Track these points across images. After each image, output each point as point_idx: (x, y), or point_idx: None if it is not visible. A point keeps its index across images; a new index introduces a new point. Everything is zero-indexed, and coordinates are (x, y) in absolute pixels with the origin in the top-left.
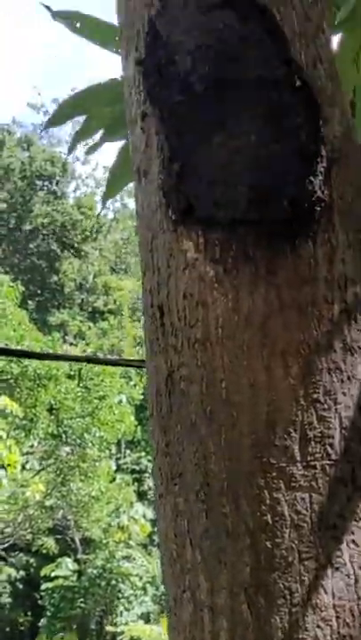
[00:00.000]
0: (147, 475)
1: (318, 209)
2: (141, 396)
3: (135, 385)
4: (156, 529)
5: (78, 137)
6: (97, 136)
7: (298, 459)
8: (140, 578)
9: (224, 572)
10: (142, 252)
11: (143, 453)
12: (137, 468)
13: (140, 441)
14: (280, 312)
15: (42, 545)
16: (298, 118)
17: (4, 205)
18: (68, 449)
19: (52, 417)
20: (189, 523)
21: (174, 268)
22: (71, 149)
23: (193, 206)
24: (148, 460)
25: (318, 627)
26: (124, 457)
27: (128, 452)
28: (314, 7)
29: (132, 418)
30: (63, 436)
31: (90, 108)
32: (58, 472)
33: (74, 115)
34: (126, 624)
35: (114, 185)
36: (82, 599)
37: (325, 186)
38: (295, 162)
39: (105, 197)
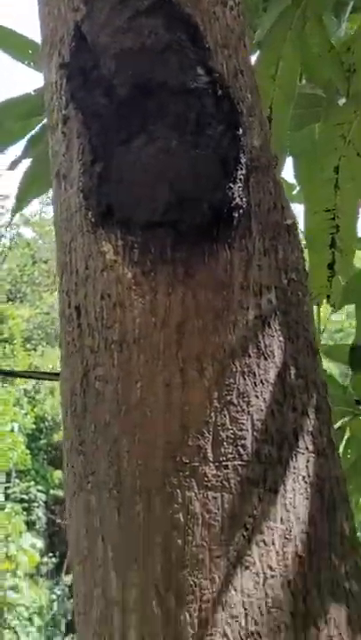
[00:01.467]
0: (35, 504)
1: (236, 215)
2: (33, 426)
3: (27, 414)
4: (44, 559)
5: None
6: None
7: (211, 459)
8: (27, 608)
9: (135, 568)
10: (60, 254)
11: (32, 483)
12: (26, 497)
13: (31, 470)
14: (196, 315)
15: None
16: (219, 126)
17: None
18: None
19: None
20: (101, 520)
21: (93, 269)
22: None
23: (112, 208)
24: (38, 490)
25: (227, 623)
26: (14, 486)
27: (17, 481)
28: (236, 19)
29: (24, 447)
30: None
31: (2, 122)
32: None
33: None
34: None
35: (23, 196)
36: None
37: (244, 193)
38: (215, 168)
39: (15, 210)
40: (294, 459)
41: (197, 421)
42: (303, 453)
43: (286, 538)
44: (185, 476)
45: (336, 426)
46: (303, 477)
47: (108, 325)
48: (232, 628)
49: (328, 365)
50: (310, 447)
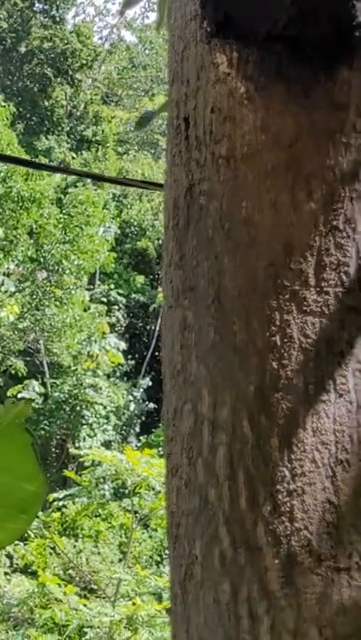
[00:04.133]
0: (116, 307)
1: (358, 34)
2: (119, 230)
3: (114, 218)
4: (123, 362)
5: None
6: None
7: (312, 284)
8: (105, 407)
9: (228, 387)
10: (172, 62)
11: (114, 286)
12: (105, 300)
13: (114, 274)
14: (309, 135)
15: (11, 366)
16: None
17: (4, 25)
18: (45, 274)
19: (32, 241)
20: (197, 336)
21: (205, 80)
22: None
23: (231, 18)
24: (119, 294)
25: (317, 450)
26: (96, 287)
27: (99, 283)
28: None
29: (109, 250)
30: (42, 260)
31: None
32: (33, 296)
33: None
34: (90, 448)
35: None
36: (46, 422)
37: None
38: None
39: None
40: None
41: (301, 245)
42: None
43: None
44: (285, 299)
45: None
46: None
47: (217, 140)
48: (322, 455)
49: None
50: None
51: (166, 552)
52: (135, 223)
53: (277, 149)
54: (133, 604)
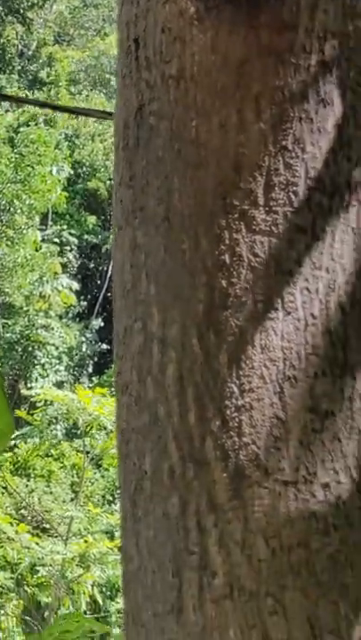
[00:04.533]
0: (68, 248)
1: None
2: (72, 170)
3: (66, 158)
4: (75, 303)
5: None
6: None
7: (261, 203)
8: (57, 348)
9: (177, 306)
10: None
11: (66, 226)
12: (57, 240)
13: (66, 214)
14: (258, 56)
15: None
16: None
17: None
18: None
19: None
20: (147, 256)
21: (154, 1)
22: None
23: None
24: (71, 234)
25: (265, 366)
26: (48, 228)
27: (51, 224)
28: None
29: (61, 190)
30: None
31: None
32: None
33: None
34: (41, 387)
35: None
36: None
37: None
38: None
39: None
40: (345, 210)
41: (251, 165)
42: (354, 205)
43: (330, 287)
44: (234, 218)
45: None
46: (353, 229)
47: (167, 60)
48: (270, 371)
49: None
50: None
51: (118, 492)
52: (87, 164)
53: (227, 70)
54: (85, 541)
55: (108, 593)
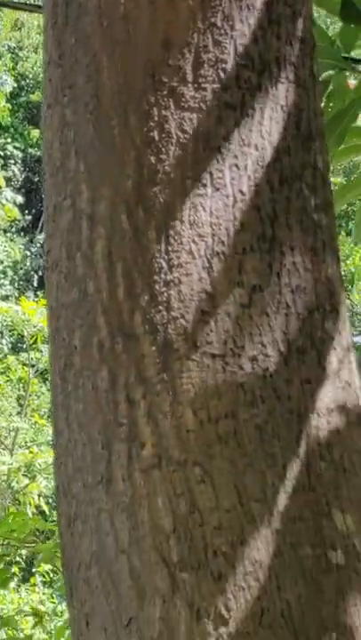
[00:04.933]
0: (12, 161)
1: None
2: (15, 83)
3: (9, 70)
4: (20, 217)
5: None
6: None
7: (190, 80)
8: (2, 262)
9: (106, 182)
10: None
11: (10, 140)
12: (1, 153)
13: (10, 127)
14: None
15: None
16: None
17: None
18: None
19: None
20: (76, 134)
21: None
22: None
23: None
24: (15, 147)
25: (194, 242)
26: None
27: None
28: None
29: (4, 103)
30: None
31: None
32: None
33: None
34: None
35: None
36: None
37: None
38: None
39: None
40: (274, 87)
41: (179, 42)
42: (283, 82)
43: (259, 164)
44: (163, 95)
45: (321, 78)
46: (282, 107)
47: None
48: (198, 247)
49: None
50: (291, 77)
51: None
52: (31, 76)
53: None
54: (31, 452)
55: (54, 504)
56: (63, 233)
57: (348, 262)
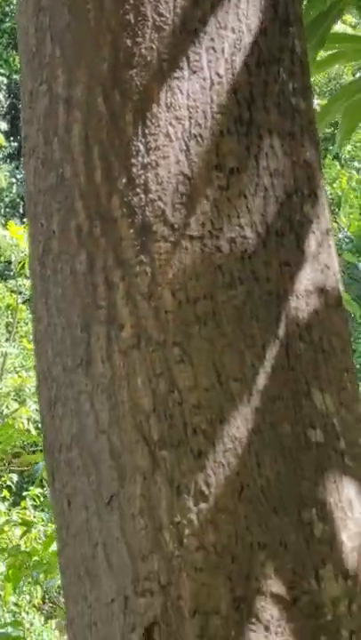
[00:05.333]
0: None
1: None
2: None
3: None
4: (5, 144)
5: None
6: None
7: None
8: None
9: (82, 66)
10: None
11: None
12: None
13: None
14: None
15: None
16: None
17: None
18: None
19: None
20: (51, 19)
21: None
22: None
23: None
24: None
25: (171, 124)
26: None
27: None
28: None
29: None
30: None
31: None
32: None
33: None
34: None
35: None
36: None
37: None
38: None
39: None
40: None
41: None
42: None
43: (236, 47)
44: None
45: None
46: None
47: None
48: (175, 129)
49: None
50: None
51: None
52: (14, 1)
53: None
54: (20, 377)
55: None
56: (40, 118)
57: (334, 186)
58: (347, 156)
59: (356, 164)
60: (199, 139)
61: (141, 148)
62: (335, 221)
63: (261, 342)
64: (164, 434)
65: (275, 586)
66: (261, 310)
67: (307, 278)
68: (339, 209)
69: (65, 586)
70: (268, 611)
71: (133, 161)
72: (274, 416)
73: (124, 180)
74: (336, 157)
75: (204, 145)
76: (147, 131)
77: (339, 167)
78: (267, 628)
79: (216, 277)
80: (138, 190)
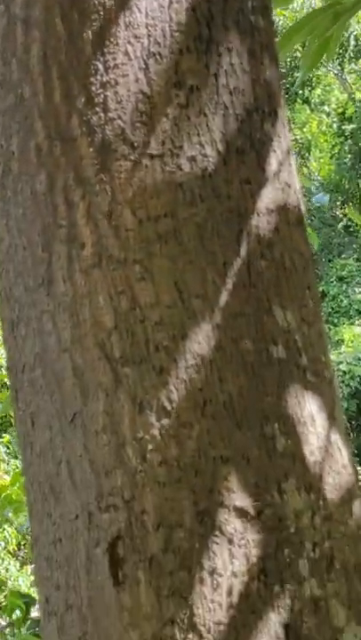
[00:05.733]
0: None
1: None
2: None
3: None
4: None
5: None
6: None
7: None
8: None
9: None
10: None
11: None
12: None
13: None
14: None
15: None
16: None
17: None
18: None
19: None
20: None
21: None
22: None
23: None
24: None
25: (129, 43)
26: None
27: None
28: None
29: None
30: None
31: None
32: None
33: None
34: None
35: None
36: None
37: None
38: None
39: None
40: None
41: None
42: None
43: None
44: None
45: None
46: None
47: None
48: (134, 48)
49: None
50: None
51: None
52: None
53: None
54: None
55: None
56: None
57: (304, 130)
58: (317, 101)
59: (325, 108)
60: (158, 57)
61: (100, 66)
62: (305, 166)
63: (223, 260)
64: (126, 351)
65: (238, 499)
66: (223, 228)
67: (268, 196)
68: (309, 153)
69: (30, 505)
70: (232, 524)
71: (92, 80)
72: (235, 332)
73: (83, 99)
74: (306, 102)
75: (164, 63)
76: (105, 49)
77: (308, 111)
78: (230, 541)
79: (177, 195)
80: (97, 109)
